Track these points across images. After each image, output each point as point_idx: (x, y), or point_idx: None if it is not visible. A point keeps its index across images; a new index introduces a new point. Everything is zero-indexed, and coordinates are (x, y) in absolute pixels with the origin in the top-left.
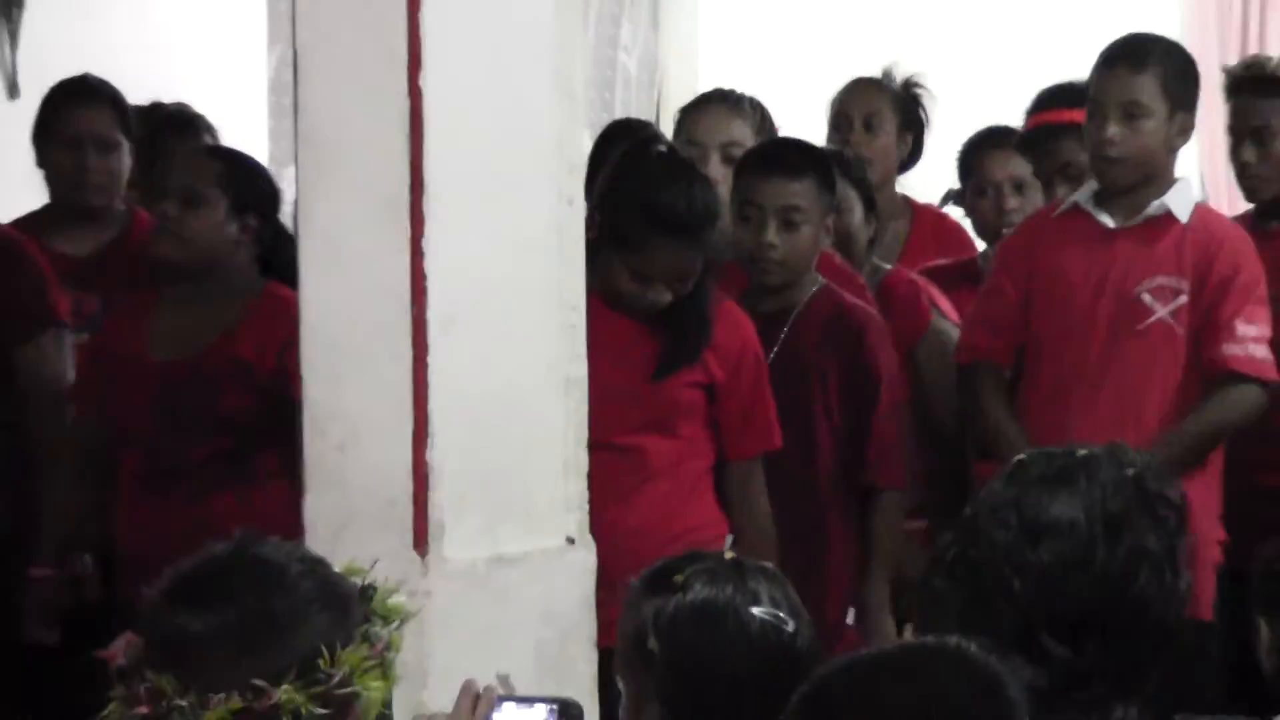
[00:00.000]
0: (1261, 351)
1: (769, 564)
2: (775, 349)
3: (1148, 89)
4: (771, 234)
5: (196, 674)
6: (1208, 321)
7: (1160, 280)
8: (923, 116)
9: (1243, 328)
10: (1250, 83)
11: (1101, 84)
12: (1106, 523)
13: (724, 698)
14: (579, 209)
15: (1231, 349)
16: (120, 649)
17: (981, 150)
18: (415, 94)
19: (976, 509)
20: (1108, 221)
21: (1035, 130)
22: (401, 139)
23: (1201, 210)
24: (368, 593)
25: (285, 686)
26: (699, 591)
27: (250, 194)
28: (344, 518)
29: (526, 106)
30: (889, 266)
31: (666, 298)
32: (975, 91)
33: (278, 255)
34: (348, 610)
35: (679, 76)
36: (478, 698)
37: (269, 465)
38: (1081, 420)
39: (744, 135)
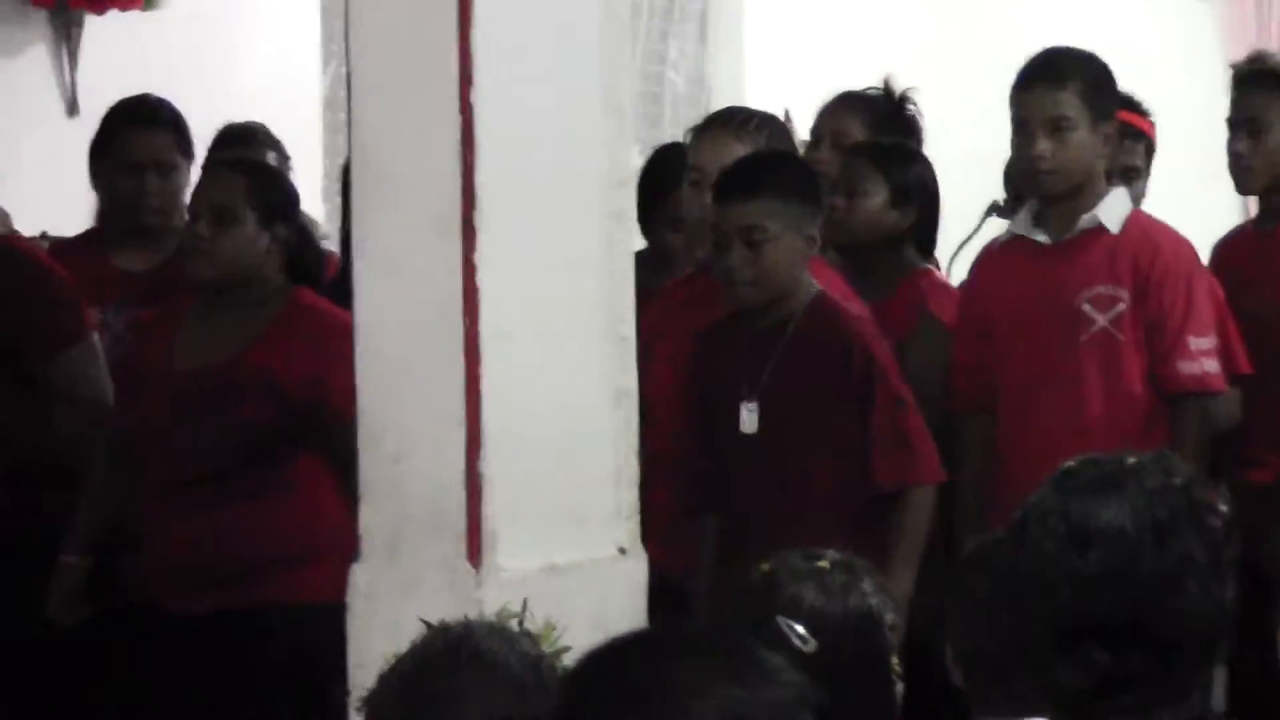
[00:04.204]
0: (1212, 365)
1: (868, 585)
2: (770, 364)
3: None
4: (734, 257)
5: None
6: (1158, 335)
7: (1098, 289)
8: (909, 131)
9: (1195, 342)
10: (1250, 76)
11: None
12: (1154, 531)
13: None
14: (628, 223)
15: (1188, 367)
16: None
17: None
18: (466, 111)
19: (1024, 515)
20: (1043, 239)
21: None
22: (453, 155)
23: (1137, 217)
24: (535, 640)
25: None
26: (763, 578)
27: (276, 204)
28: (398, 527)
29: (575, 122)
30: (923, 265)
31: None
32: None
33: (304, 256)
34: (556, 687)
35: (726, 92)
36: None
37: (294, 475)
38: (1033, 431)
39: None
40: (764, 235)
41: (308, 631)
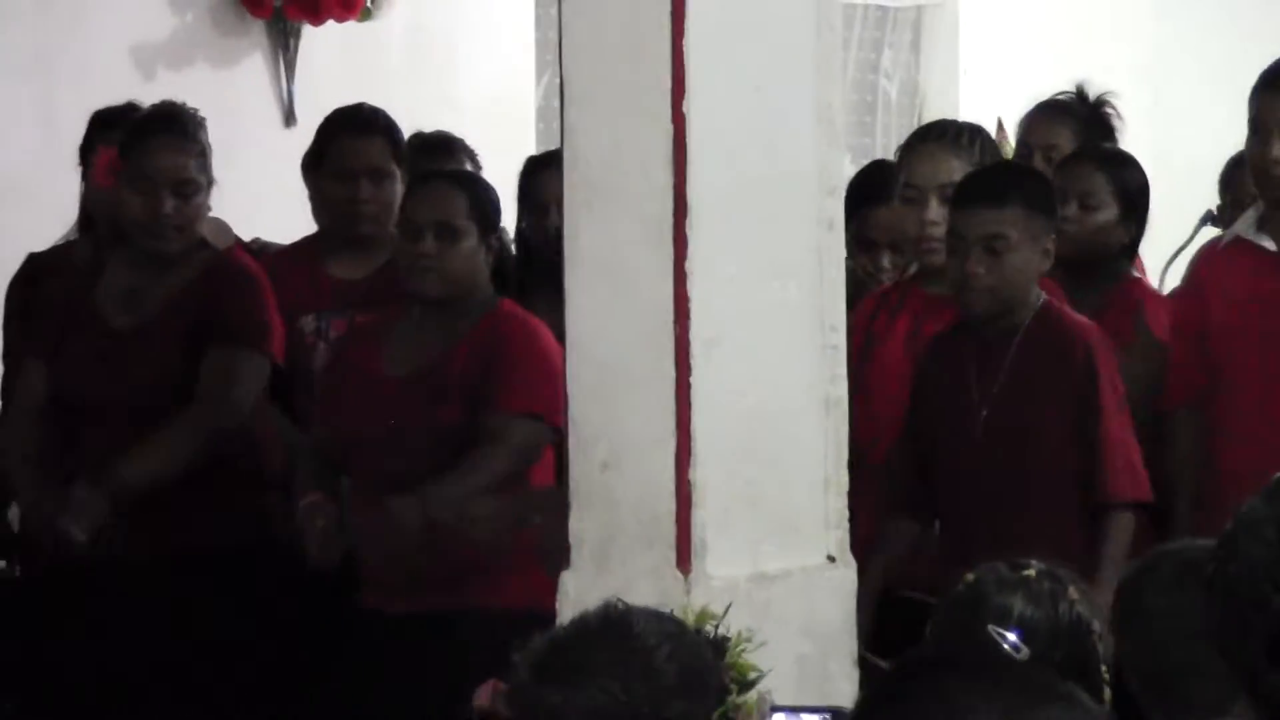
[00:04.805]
0: None
1: (1075, 592)
2: (1002, 375)
3: None
4: (974, 263)
5: None
6: None
7: None
8: (1110, 138)
9: None
10: None
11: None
12: None
13: None
14: (839, 232)
15: None
16: (486, 694)
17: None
18: (679, 120)
19: (1236, 525)
20: (1269, 245)
21: None
22: (665, 164)
23: None
24: (721, 646)
25: None
26: (969, 589)
27: (492, 216)
28: (609, 535)
29: (787, 131)
30: (1134, 273)
31: None
32: (1230, 107)
33: (504, 263)
34: (706, 694)
35: (939, 100)
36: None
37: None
38: (1239, 440)
39: (962, 174)
40: (1006, 244)
41: (502, 638)
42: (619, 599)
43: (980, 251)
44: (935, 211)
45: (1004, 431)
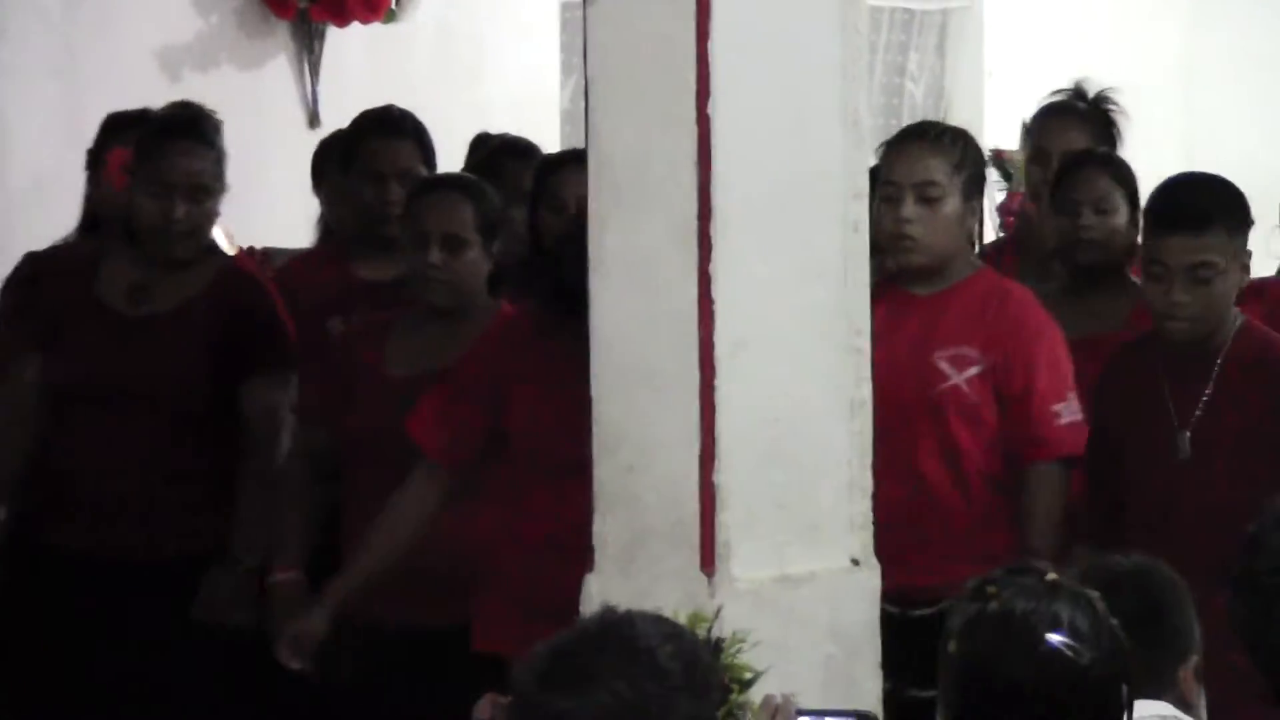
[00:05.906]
0: None
1: (1092, 592)
2: (1208, 392)
3: None
4: (1180, 292)
5: None
6: None
7: None
8: (1116, 135)
9: None
10: None
11: None
12: None
13: (1002, 711)
14: (864, 235)
15: None
16: (486, 707)
17: None
18: (704, 122)
19: (1260, 522)
20: None
21: None
22: (690, 166)
23: None
24: (717, 646)
25: None
26: (1004, 603)
27: (495, 224)
28: (633, 537)
29: (812, 134)
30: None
31: None
32: (1258, 107)
33: (498, 269)
34: (710, 692)
35: (965, 103)
36: (777, 711)
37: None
38: None
39: (941, 173)
40: (1214, 271)
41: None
42: (614, 605)
43: (1185, 280)
44: (910, 209)
45: (1214, 452)
